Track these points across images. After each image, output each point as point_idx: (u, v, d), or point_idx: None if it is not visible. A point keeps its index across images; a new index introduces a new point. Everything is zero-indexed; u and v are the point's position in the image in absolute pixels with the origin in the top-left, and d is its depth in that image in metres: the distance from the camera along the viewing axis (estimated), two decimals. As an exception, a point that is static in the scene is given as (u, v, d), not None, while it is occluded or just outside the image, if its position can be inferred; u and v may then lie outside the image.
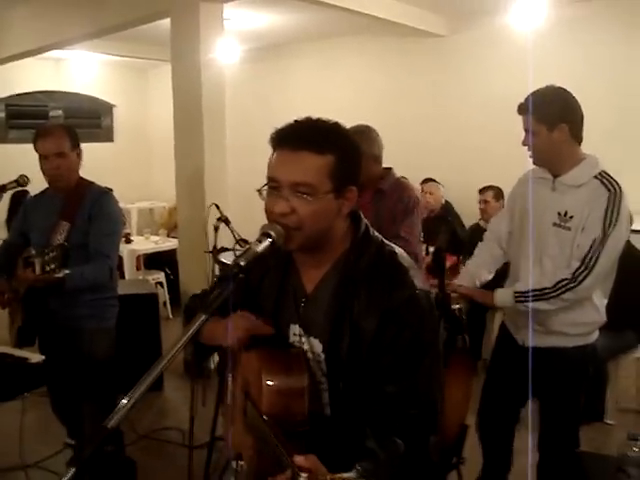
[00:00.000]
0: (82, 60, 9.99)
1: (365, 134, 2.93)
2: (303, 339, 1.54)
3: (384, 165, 3.12)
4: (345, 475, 1.06)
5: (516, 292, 2.44)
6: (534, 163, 2.51)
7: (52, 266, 2.45)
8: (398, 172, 3.22)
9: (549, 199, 2.45)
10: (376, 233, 1.56)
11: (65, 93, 10.36)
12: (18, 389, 2.45)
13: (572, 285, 2.32)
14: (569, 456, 2.62)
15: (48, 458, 3.46)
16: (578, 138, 2.42)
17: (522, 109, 2.42)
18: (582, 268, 2.31)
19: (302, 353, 1.51)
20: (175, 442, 3.84)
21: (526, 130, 2.43)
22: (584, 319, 2.49)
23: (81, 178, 2.96)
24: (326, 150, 1.39)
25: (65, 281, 2.61)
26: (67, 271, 2.53)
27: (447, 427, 2.07)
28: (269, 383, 1.39)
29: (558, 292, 2.34)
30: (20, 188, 2.91)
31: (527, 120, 2.40)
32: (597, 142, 5.71)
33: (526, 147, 2.47)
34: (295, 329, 1.56)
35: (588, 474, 2.37)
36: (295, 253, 1.55)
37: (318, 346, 1.51)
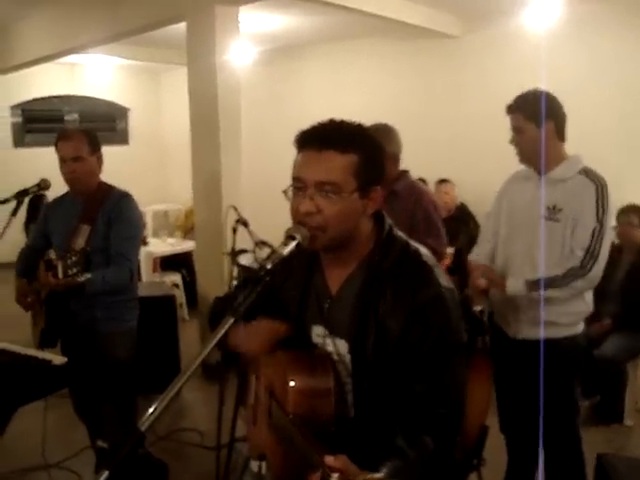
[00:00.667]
0: (97, 64, 10.07)
1: (384, 132, 2.91)
2: (327, 340, 1.54)
3: (401, 167, 3.12)
4: (376, 475, 1.06)
5: (527, 281, 2.49)
6: (521, 161, 2.63)
7: (74, 270, 2.47)
8: (414, 173, 3.22)
9: (536, 195, 2.56)
10: (400, 232, 1.56)
11: (80, 97, 10.46)
12: (42, 390, 2.47)
13: (582, 273, 2.42)
14: (572, 451, 2.69)
15: (70, 458, 3.50)
16: (562, 137, 2.57)
17: (511, 108, 2.56)
18: (588, 257, 2.42)
19: (327, 354, 1.52)
20: (194, 443, 3.86)
21: (513, 129, 2.56)
22: (573, 309, 2.57)
23: (101, 182, 2.98)
24: (350, 150, 1.41)
25: (86, 285, 2.63)
26: (89, 275, 2.56)
27: (468, 428, 2.07)
28: (293, 384, 1.40)
29: (568, 280, 2.43)
30: (42, 192, 2.92)
31: (516, 119, 2.53)
32: (608, 141, 5.77)
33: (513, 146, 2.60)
34: (319, 330, 1.57)
35: (611, 477, 2.36)
36: (320, 253, 1.56)
37: (344, 346, 1.52)
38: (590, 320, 4.06)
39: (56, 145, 2.86)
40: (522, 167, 2.73)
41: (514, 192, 2.72)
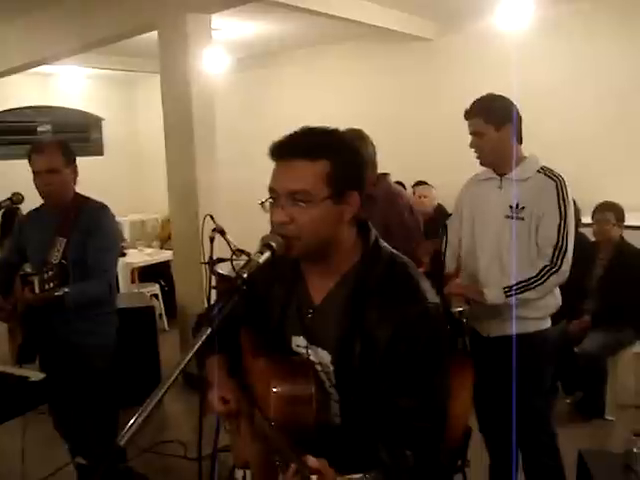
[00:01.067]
0: (69, 74, 9.98)
1: (356, 138, 2.90)
2: (309, 351, 1.53)
3: (379, 170, 3.12)
4: (355, 476, 1.05)
5: (505, 287, 2.52)
6: (481, 164, 2.70)
7: (51, 284, 2.45)
8: (392, 175, 3.23)
9: (498, 196, 2.64)
10: (385, 243, 1.55)
11: (53, 108, 10.36)
12: (19, 408, 2.43)
13: (554, 270, 2.48)
14: (548, 447, 2.72)
15: (50, 476, 3.45)
16: (520, 139, 2.64)
17: (470, 113, 2.62)
18: (557, 252, 2.48)
19: (308, 361, 1.51)
20: (177, 455, 3.82)
21: (473, 133, 2.62)
22: (544, 303, 2.61)
23: (77, 194, 2.95)
24: (319, 156, 1.40)
25: (65, 299, 2.60)
26: (66, 289, 2.54)
27: (451, 430, 2.07)
28: (275, 390, 1.40)
29: (543, 279, 2.49)
30: (14, 206, 2.88)
31: (475, 123, 2.60)
32: (584, 142, 5.85)
33: (473, 149, 2.66)
34: (299, 340, 1.56)
35: (593, 472, 2.38)
36: (302, 263, 1.55)
37: (326, 357, 1.50)
38: (569, 317, 4.14)
39: (29, 158, 2.82)
40: (478, 171, 2.79)
41: (474, 196, 2.77)
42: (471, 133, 2.63)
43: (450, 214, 5.29)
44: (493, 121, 2.55)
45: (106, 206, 2.98)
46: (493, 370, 2.66)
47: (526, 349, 2.58)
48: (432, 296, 1.47)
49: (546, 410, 2.79)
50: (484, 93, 2.65)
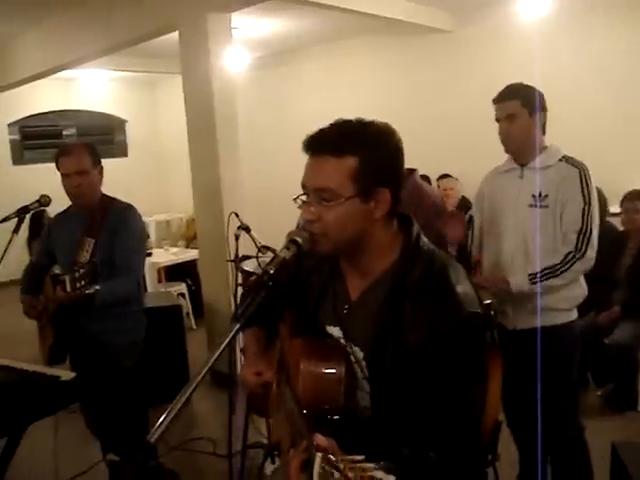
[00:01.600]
0: (92, 78, 10.11)
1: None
2: (345, 343, 1.51)
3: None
4: (358, 458, 1.03)
5: (530, 274, 2.51)
6: (507, 150, 2.66)
7: (82, 283, 2.47)
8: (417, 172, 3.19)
9: (520, 186, 2.62)
10: (426, 241, 1.49)
11: (77, 111, 10.50)
12: (52, 407, 2.46)
13: (579, 255, 2.46)
14: (576, 441, 2.70)
15: (82, 474, 3.49)
16: (544, 130, 2.62)
17: (505, 96, 2.59)
18: (581, 237, 2.47)
19: (343, 345, 1.50)
20: (206, 452, 3.85)
21: (505, 117, 2.57)
22: (571, 294, 2.59)
23: (103, 195, 2.99)
24: (346, 152, 1.35)
25: (95, 297, 2.64)
26: (97, 287, 2.57)
27: (482, 424, 2.05)
28: (304, 367, 1.40)
29: (568, 265, 2.47)
30: (42, 208, 2.92)
31: (510, 106, 2.56)
32: (607, 132, 5.75)
33: (501, 135, 2.62)
34: (335, 331, 1.53)
35: (627, 465, 2.34)
36: (341, 260, 1.53)
37: (359, 354, 1.48)
38: (599, 308, 4.09)
39: (57, 161, 2.86)
40: (500, 162, 2.77)
41: (495, 188, 2.75)
42: (502, 117, 2.59)
43: (469, 203, 5.26)
44: (529, 105, 2.53)
45: (132, 206, 3.02)
46: (520, 364, 2.63)
47: (553, 341, 2.55)
48: (471, 303, 1.38)
49: (573, 403, 2.76)
50: (505, 85, 2.62)
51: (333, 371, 1.40)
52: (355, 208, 1.37)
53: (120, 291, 2.82)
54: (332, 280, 1.56)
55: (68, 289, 2.48)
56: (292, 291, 1.62)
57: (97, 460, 3.36)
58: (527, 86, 2.60)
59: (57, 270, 3.06)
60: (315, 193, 1.38)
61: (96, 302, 2.68)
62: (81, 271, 2.48)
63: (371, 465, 1.01)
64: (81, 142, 3.03)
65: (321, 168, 1.38)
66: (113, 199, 3.02)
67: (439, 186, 6.19)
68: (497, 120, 2.62)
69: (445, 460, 1.35)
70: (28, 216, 2.94)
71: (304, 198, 1.43)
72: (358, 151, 1.36)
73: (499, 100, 2.60)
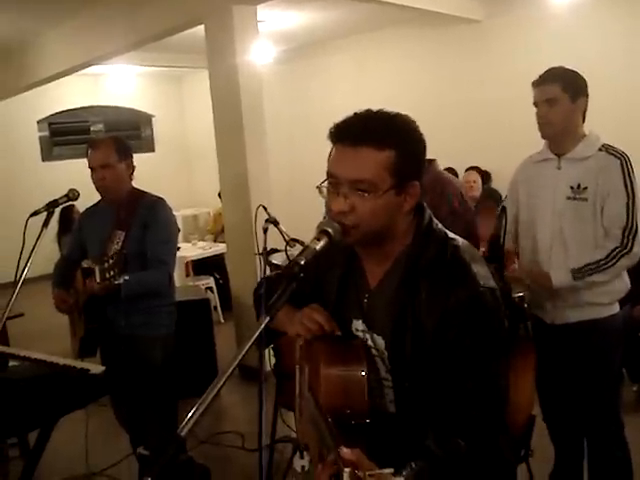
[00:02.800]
0: (119, 73, 10.19)
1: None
2: (367, 335, 1.51)
3: (429, 156, 3.03)
4: (386, 471, 1.01)
5: (572, 270, 2.43)
6: (544, 136, 2.56)
7: (112, 273, 2.49)
8: (444, 161, 3.14)
9: (557, 177, 2.52)
10: (439, 226, 1.50)
11: (105, 107, 10.61)
12: (82, 400, 2.48)
13: (625, 252, 2.37)
14: (616, 437, 2.62)
15: (113, 466, 3.52)
16: (584, 116, 2.52)
17: (545, 79, 2.48)
18: (627, 233, 2.37)
19: (362, 345, 1.49)
20: (235, 446, 3.85)
21: (545, 101, 2.46)
22: (613, 288, 2.50)
23: (134, 188, 3.00)
24: (386, 145, 1.34)
25: (123, 287, 2.65)
26: (126, 277, 2.57)
27: (514, 418, 2.01)
28: (325, 371, 1.38)
29: (614, 261, 2.38)
30: (71, 202, 2.93)
31: (550, 90, 2.45)
32: (637, 120, 5.61)
33: (539, 120, 2.52)
34: (358, 325, 1.53)
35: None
36: (358, 248, 1.52)
37: (381, 342, 1.48)
38: (634, 302, 3.99)
39: (87, 154, 2.89)
40: (534, 151, 2.68)
41: (530, 178, 2.65)
42: (541, 101, 2.48)
43: (498, 194, 5.18)
44: (570, 90, 2.43)
45: (162, 199, 3.02)
46: (558, 358, 2.57)
47: (594, 336, 2.50)
48: (486, 280, 1.40)
49: (616, 399, 2.68)
50: (536, 75, 2.54)
51: (355, 373, 1.38)
52: (390, 200, 1.37)
53: (150, 282, 2.83)
54: (350, 271, 1.55)
55: (98, 279, 2.52)
56: (311, 292, 1.60)
57: (127, 453, 3.39)
58: (570, 70, 2.50)
59: (87, 264, 3.07)
60: (350, 184, 1.35)
61: (124, 293, 2.69)
62: (110, 262, 2.50)
63: (400, 479, 0.99)
64: (110, 136, 3.05)
65: (359, 159, 1.35)
66: (143, 192, 3.02)
67: (463, 179, 6.11)
68: (535, 104, 2.51)
69: (473, 443, 1.33)
70: (57, 211, 2.95)
71: (328, 187, 1.40)
72: (397, 144, 1.35)
73: (539, 83, 2.49)
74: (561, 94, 2.43)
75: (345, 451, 1.07)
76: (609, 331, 2.54)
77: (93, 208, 3.12)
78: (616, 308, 2.55)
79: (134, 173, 3.00)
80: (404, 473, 1.19)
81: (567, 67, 2.52)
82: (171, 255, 2.98)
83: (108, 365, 2.87)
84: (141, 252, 2.83)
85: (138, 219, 2.88)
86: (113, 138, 2.97)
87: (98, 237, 2.94)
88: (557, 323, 2.57)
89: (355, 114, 1.39)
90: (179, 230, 3.20)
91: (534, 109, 2.54)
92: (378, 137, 1.34)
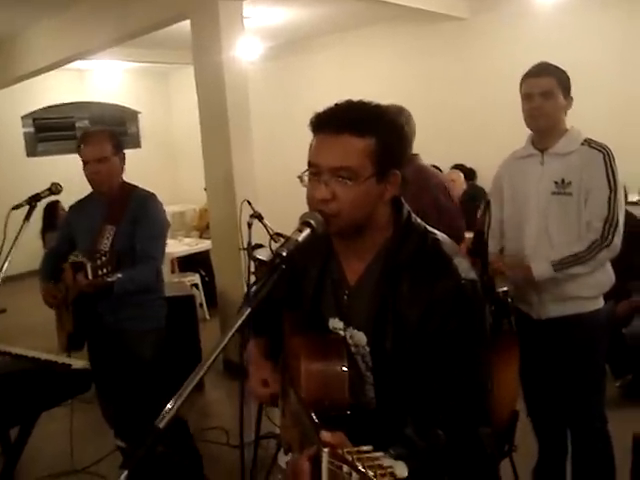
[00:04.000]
0: (105, 69, 10.13)
1: (398, 114, 2.74)
2: (346, 333, 1.50)
3: (414, 152, 3.03)
4: (364, 448, 1.01)
5: (553, 261, 2.44)
6: (534, 127, 2.54)
7: (104, 270, 2.48)
8: (428, 159, 3.13)
9: (541, 172, 2.52)
10: (418, 220, 1.50)
11: (90, 103, 10.53)
12: (63, 395, 2.46)
13: (605, 244, 2.39)
14: (600, 432, 2.63)
15: (96, 463, 3.50)
16: (566, 113, 2.53)
17: (543, 71, 2.48)
18: (607, 226, 2.39)
19: (341, 339, 1.49)
20: (219, 442, 3.84)
21: (536, 94, 2.45)
22: (597, 281, 2.51)
23: (125, 182, 2.98)
24: (367, 132, 1.34)
25: (115, 285, 2.63)
26: (119, 275, 2.57)
27: (497, 413, 2.02)
28: (306, 366, 1.38)
29: (593, 253, 2.40)
30: (53, 196, 2.90)
31: (547, 83, 2.45)
32: (618, 121, 5.66)
33: (530, 111, 2.50)
34: (335, 323, 1.52)
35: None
36: (336, 243, 1.51)
37: (362, 339, 1.47)
38: (618, 298, 4.02)
39: (78, 148, 2.85)
40: (516, 148, 2.69)
41: (514, 174, 2.65)
42: (535, 93, 2.45)
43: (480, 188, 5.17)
44: (563, 86, 2.45)
45: (153, 194, 3.00)
46: (544, 353, 2.58)
47: (579, 330, 2.51)
48: (467, 272, 1.40)
49: (600, 394, 2.69)
50: (520, 72, 2.53)
51: (335, 367, 1.38)
52: (371, 188, 1.37)
53: (139, 279, 2.81)
54: (328, 269, 1.54)
55: (90, 276, 2.50)
56: (289, 289, 1.60)
57: (111, 450, 3.37)
58: (560, 68, 2.51)
59: (74, 257, 3.04)
60: (331, 172, 1.35)
61: (115, 290, 2.67)
62: (103, 259, 2.49)
63: (379, 454, 0.99)
64: (104, 129, 3.00)
65: (341, 146, 1.34)
66: (134, 187, 3.00)
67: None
68: (527, 95, 2.48)
69: (452, 434, 1.33)
70: (42, 207, 2.92)
71: (310, 176, 1.40)
72: (377, 132, 1.35)
73: (535, 74, 2.48)
74: (557, 88, 2.44)
75: (325, 434, 1.07)
76: (594, 325, 2.55)
77: (83, 201, 3.08)
78: (600, 302, 2.56)
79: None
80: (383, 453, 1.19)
81: (555, 65, 2.52)
82: (160, 250, 2.96)
83: (96, 360, 2.91)
84: (131, 247, 2.82)
85: (129, 214, 2.86)
86: (108, 131, 2.95)
87: (88, 230, 2.91)
88: (543, 318, 2.58)
89: (336, 104, 1.39)
90: (169, 225, 3.17)
91: (519, 106, 2.53)
92: (359, 125, 1.34)
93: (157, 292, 3.02)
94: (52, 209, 6.63)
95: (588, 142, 2.47)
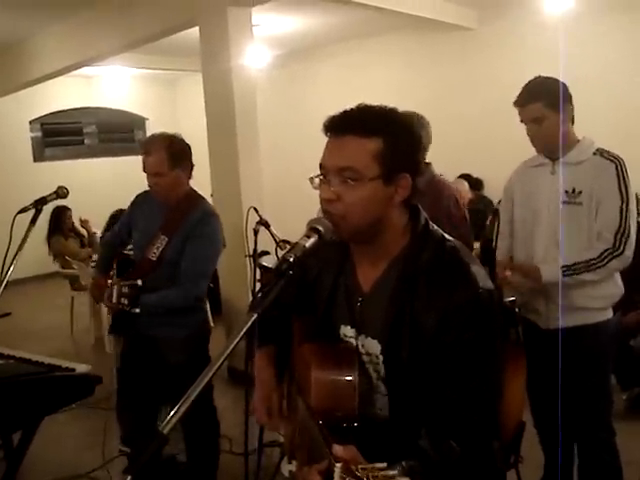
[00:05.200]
0: (113, 75, 10.15)
1: (414, 121, 2.74)
2: (357, 341, 1.48)
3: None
4: (379, 465, 0.99)
5: (563, 266, 2.42)
6: (539, 151, 2.55)
7: (125, 301, 2.54)
8: (435, 169, 3.13)
9: (552, 181, 2.50)
10: (436, 227, 1.49)
11: (98, 109, 10.57)
12: (65, 400, 2.45)
13: (616, 253, 2.37)
14: (607, 444, 2.61)
15: (100, 468, 3.47)
16: (573, 120, 2.51)
17: (525, 99, 2.45)
18: (619, 236, 2.37)
19: (353, 348, 1.47)
20: (223, 450, 3.81)
21: (531, 120, 2.45)
22: (605, 292, 2.50)
23: (191, 191, 2.91)
24: (373, 133, 1.34)
25: (141, 308, 2.66)
26: (137, 310, 2.62)
27: (504, 424, 2.00)
28: (317, 375, 1.37)
29: (604, 262, 2.38)
30: (60, 200, 2.90)
31: (533, 109, 2.43)
32: (630, 128, 5.63)
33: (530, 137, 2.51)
34: (347, 330, 1.51)
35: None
36: (352, 250, 1.50)
37: (376, 347, 1.45)
38: (625, 309, 3.99)
39: (142, 154, 2.81)
40: (528, 157, 2.67)
41: (526, 182, 2.64)
42: (527, 120, 2.47)
43: (487, 198, 5.15)
44: (553, 103, 2.41)
45: (214, 214, 2.91)
46: (552, 363, 2.55)
47: (588, 341, 2.49)
48: (484, 281, 1.39)
49: (608, 406, 2.68)
50: (527, 79, 2.52)
51: (346, 378, 1.37)
52: (377, 190, 1.36)
53: (168, 304, 2.75)
54: (342, 276, 1.53)
55: (114, 300, 2.60)
56: (300, 297, 1.59)
57: (115, 454, 3.36)
58: (546, 81, 2.47)
59: (130, 253, 3.08)
60: (337, 173, 1.35)
61: (143, 312, 2.69)
62: (125, 289, 2.55)
63: (394, 472, 0.98)
64: (164, 137, 2.81)
65: (345, 147, 1.35)
66: (200, 199, 2.92)
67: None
68: (522, 121, 2.50)
69: (467, 447, 1.32)
70: (49, 212, 2.93)
71: (320, 178, 1.40)
72: (383, 133, 1.35)
73: (520, 104, 2.47)
74: (545, 111, 2.41)
75: (337, 448, 1.06)
76: (603, 336, 2.54)
77: (148, 195, 2.98)
78: (609, 313, 2.54)
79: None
80: (397, 468, 1.17)
81: (544, 76, 2.49)
82: (205, 275, 2.87)
83: (127, 362, 2.99)
84: (177, 261, 2.76)
85: (184, 229, 2.78)
86: (167, 142, 2.78)
87: (144, 230, 2.88)
88: (552, 328, 2.55)
89: (349, 108, 1.40)
90: (224, 246, 3.11)
91: None
92: (364, 126, 1.35)
93: (195, 303, 2.92)
94: (60, 214, 6.66)
95: (600, 152, 2.45)
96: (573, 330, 2.49)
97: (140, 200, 3.04)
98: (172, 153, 2.75)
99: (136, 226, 2.97)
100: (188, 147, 2.86)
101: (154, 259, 2.76)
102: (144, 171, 2.78)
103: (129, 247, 3.12)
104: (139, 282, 2.65)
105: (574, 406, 2.61)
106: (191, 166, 2.87)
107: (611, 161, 2.40)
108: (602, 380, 2.61)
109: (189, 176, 2.88)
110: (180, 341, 2.84)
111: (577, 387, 2.57)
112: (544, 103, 2.41)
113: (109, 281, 2.85)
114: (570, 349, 2.50)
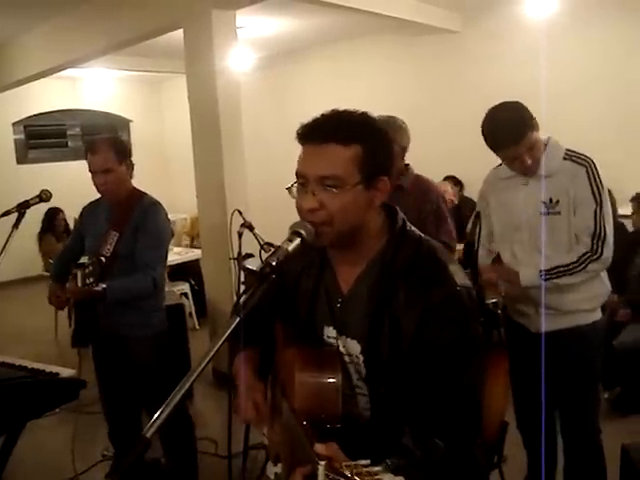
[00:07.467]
0: (97, 77, 10.10)
1: (390, 124, 2.78)
2: (339, 342, 1.49)
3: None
4: (363, 462, 1.00)
5: (542, 270, 2.43)
6: (533, 175, 2.48)
7: (90, 279, 2.55)
8: (420, 170, 3.15)
9: (526, 194, 2.50)
10: (413, 228, 1.50)
11: (82, 111, 10.50)
12: (49, 404, 2.44)
13: (595, 257, 2.39)
14: (593, 444, 2.64)
15: (83, 472, 3.45)
16: (537, 127, 2.43)
17: (519, 133, 2.36)
18: (596, 240, 2.38)
19: (336, 351, 1.48)
20: (208, 452, 3.81)
21: (520, 156, 2.39)
22: (594, 293, 2.52)
23: (134, 188, 3.00)
24: (352, 140, 1.35)
25: (106, 293, 2.67)
26: (104, 285, 2.63)
27: (487, 425, 2.01)
28: (300, 378, 1.37)
29: (583, 265, 2.40)
30: (43, 203, 2.90)
31: (517, 150, 2.38)
32: (611, 133, 5.69)
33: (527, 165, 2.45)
34: (329, 331, 1.52)
35: (638, 467, 2.30)
36: (330, 252, 1.51)
37: (356, 347, 1.46)
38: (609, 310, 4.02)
39: (86, 157, 2.87)
40: (495, 165, 2.67)
41: (499, 196, 2.63)
42: (519, 155, 2.40)
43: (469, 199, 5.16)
44: (532, 125, 2.36)
45: (158, 203, 3.04)
46: (541, 366, 2.55)
47: (579, 342, 2.51)
48: (462, 279, 1.41)
49: (596, 405, 2.70)
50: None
51: (329, 380, 1.38)
52: (358, 196, 1.37)
53: (133, 288, 2.83)
54: (322, 278, 1.54)
55: (79, 284, 2.60)
56: (281, 300, 1.60)
57: (98, 459, 3.34)
58: (519, 110, 2.39)
59: (83, 259, 3.08)
60: (318, 181, 1.35)
61: (108, 298, 2.71)
62: (90, 268, 2.57)
63: (378, 468, 0.99)
64: (107, 137, 3.00)
65: (326, 156, 1.35)
66: (142, 194, 3.03)
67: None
68: (515, 159, 2.44)
69: (451, 445, 1.33)
70: (43, 212, 2.93)
71: (298, 187, 1.40)
72: (362, 140, 1.36)
73: (514, 141, 2.37)
74: (533, 135, 2.37)
75: (319, 446, 1.07)
76: (593, 337, 2.56)
77: (95, 203, 3.11)
78: (598, 314, 2.57)
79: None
80: (382, 465, 1.18)
81: (503, 109, 2.43)
82: (159, 260, 2.97)
83: (99, 364, 3.01)
84: (131, 254, 2.85)
85: (132, 221, 2.89)
86: (111, 140, 2.95)
87: (95, 235, 2.96)
88: (542, 331, 2.54)
89: (322, 114, 1.40)
90: (172, 235, 3.19)
91: None
92: (344, 134, 1.35)
93: (155, 301, 3.02)
94: (53, 215, 6.78)
95: (570, 156, 2.45)
96: (564, 332, 2.51)
97: (87, 211, 3.13)
98: (117, 149, 2.88)
99: (87, 233, 3.04)
100: (129, 146, 3.00)
101: (108, 255, 2.84)
102: (91, 171, 2.85)
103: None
104: (102, 259, 2.75)
105: (563, 406, 2.63)
106: (132, 165, 2.98)
107: (581, 165, 2.41)
108: (592, 380, 2.64)
109: (131, 174, 2.98)
110: (145, 340, 2.94)
111: (567, 388, 2.58)
112: (530, 129, 2.37)
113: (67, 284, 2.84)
114: (561, 351, 2.51)
